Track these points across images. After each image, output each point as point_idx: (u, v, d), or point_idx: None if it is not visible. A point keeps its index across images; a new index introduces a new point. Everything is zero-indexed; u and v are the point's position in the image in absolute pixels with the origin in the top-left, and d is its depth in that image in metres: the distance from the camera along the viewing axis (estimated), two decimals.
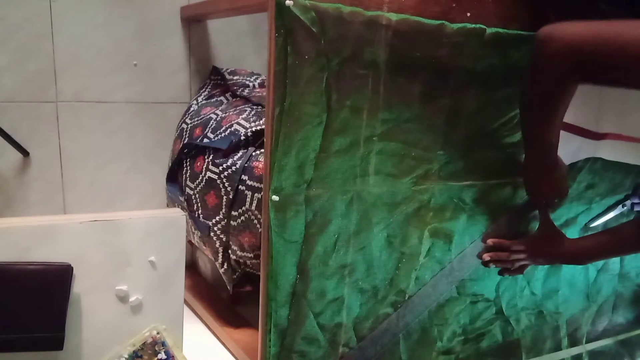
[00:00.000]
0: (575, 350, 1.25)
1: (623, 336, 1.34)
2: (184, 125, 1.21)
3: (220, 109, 1.17)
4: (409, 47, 0.84)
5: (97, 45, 1.24)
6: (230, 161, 1.02)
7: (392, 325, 0.98)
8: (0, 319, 0.77)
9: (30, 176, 1.23)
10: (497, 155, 1.01)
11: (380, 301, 0.95)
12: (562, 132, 0.92)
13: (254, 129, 1.04)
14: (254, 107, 1.12)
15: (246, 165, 1.01)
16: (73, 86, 1.23)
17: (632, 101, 1.09)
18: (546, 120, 0.87)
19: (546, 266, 1.15)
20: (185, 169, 1.14)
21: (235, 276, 1.10)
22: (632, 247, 1.02)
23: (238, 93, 1.21)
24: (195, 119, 1.19)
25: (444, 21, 0.85)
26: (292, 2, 0.74)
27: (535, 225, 1.07)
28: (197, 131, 1.15)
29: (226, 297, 1.25)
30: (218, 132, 1.09)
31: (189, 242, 1.24)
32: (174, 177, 1.19)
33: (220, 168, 1.03)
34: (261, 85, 1.24)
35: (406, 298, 0.98)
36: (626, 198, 1.19)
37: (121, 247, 0.86)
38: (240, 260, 1.06)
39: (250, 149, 1.03)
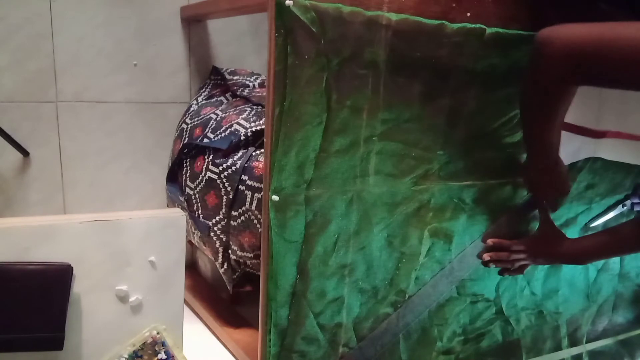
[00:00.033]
0: (575, 350, 1.25)
1: (623, 336, 1.34)
2: (184, 125, 1.21)
3: (220, 109, 1.17)
4: (409, 47, 0.84)
5: (97, 45, 1.24)
6: (230, 161, 1.02)
7: (392, 325, 0.98)
8: (0, 319, 0.78)
9: (30, 176, 1.23)
10: (497, 155, 1.01)
11: (380, 301, 0.95)
12: (562, 132, 0.92)
13: (254, 129, 1.04)
14: (254, 107, 1.12)
15: (246, 165, 1.01)
16: (73, 86, 1.23)
17: (632, 101, 1.09)
18: (546, 121, 0.87)
19: (546, 266, 1.15)
20: (185, 169, 1.14)
21: (235, 276, 1.10)
22: (632, 247, 1.02)
23: (238, 93, 1.21)
24: (195, 119, 1.19)
25: (443, 21, 0.85)
26: (292, 2, 0.74)
27: (535, 225, 1.08)
28: (197, 131, 1.15)
29: (226, 297, 1.25)
30: (218, 132, 1.09)
31: (189, 242, 1.24)
32: (174, 177, 1.19)
33: (220, 168, 1.03)
34: (261, 85, 1.24)
35: (406, 298, 0.98)
36: (626, 198, 1.19)
37: (121, 247, 0.86)
38: (240, 260, 1.06)
39: (250, 149, 1.03)
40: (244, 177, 1.00)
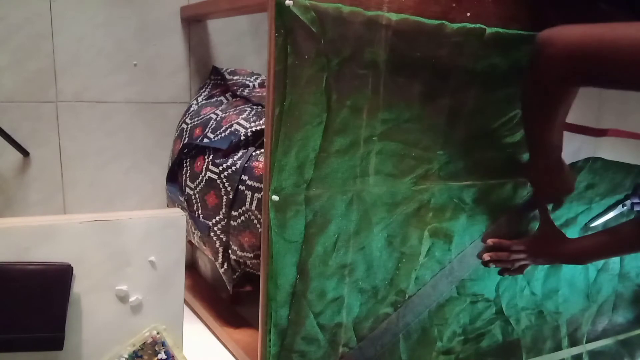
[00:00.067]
0: (575, 350, 1.25)
1: (623, 336, 1.34)
2: (184, 125, 1.21)
3: (220, 109, 1.17)
4: (409, 47, 0.84)
5: (97, 45, 1.24)
6: (230, 161, 1.02)
7: (392, 325, 0.98)
8: (0, 319, 0.78)
9: (30, 176, 1.23)
10: (497, 155, 1.01)
11: (380, 301, 0.95)
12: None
13: (254, 129, 1.04)
14: (254, 107, 1.12)
15: (246, 165, 1.01)
16: (73, 86, 1.23)
17: (632, 101, 1.09)
18: (547, 121, 0.87)
19: (546, 266, 1.15)
20: (185, 169, 1.14)
21: (235, 276, 1.10)
22: (632, 247, 1.02)
23: (238, 93, 1.21)
24: (195, 119, 1.19)
25: (443, 21, 0.85)
26: (292, 2, 0.74)
27: (535, 225, 1.08)
28: (197, 131, 1.15)
29: (226, 297, 1.25)
30: (218, 132, 1.09)
31: (189, 242, 1.24)
32: (174, 177, 1.19)
33: (220, 168, 1.03)
34: (261, 85, 1.24)
35: (406, 298, 0.98)
36: (626, 198, 1.19)
37: (121, 247, 0.86)
38: (240, 260, 1.06)
39: (250, 149, 1.03)
40: (244, 177, 1.00)
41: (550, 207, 1.06)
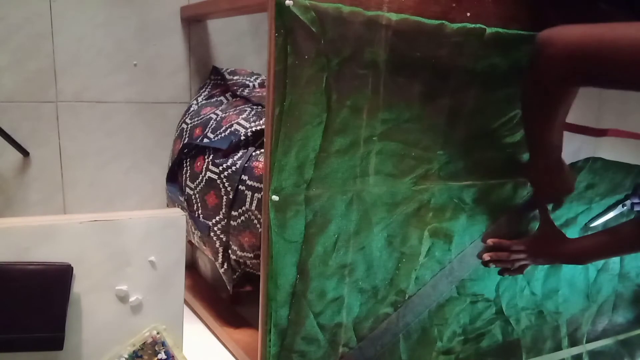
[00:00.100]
0: (575, 350, 1.25)
1: (623, 336, 1.34)
2: (184, 125, 1.21)
3: (220, 109, 1.17)
4: (409, 47, 0.84)
5: (97, 45, 1.24)
6: (230, 161, 1.02)
7: (392, 325, 0.98)
8: (0, 319, 0.78)
9: (30, 176, 1.23)
10: (497, 155, 1.01)
11: (380, 301, 0.95)
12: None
13: (254, 129, 1.04)
14: (254, 107, 1.12)
15: (246, 165, 1.01)
16: (73, 86, 1.23)
17: (632, 101, 1.09)
18: (547, 121, 0.87)
19: (546, 266, 1.15)
20: (185, 169, 1.14)
21: (235, 276, 1.10)
22: (632, 247, 1.02)
23: (238, 93, 1.21)
24: (195, 119, 1.19)
25: (443, 21, 0.85)
26: (292, 2, 0.74)
27: (535, 225, 1.08)
28: (197, 131, 1.15)
29: (226, 297, 1.25)
30: (218, 132, 1.09)
31: (189, 242, 1.24)
32: (174, 177, 1.19)
33: (220, 168, 1.03)
34: (261, 85, 1.24)
35: (406, 298, 0.98)
36: (626, 198, 1.19)
37: (121, 247, 0.86)
38: (240, 260, 1.06)
39: (250, 149, 1.03)
40: (244, 177, 1.00)
41: (550, 207, 1.06)
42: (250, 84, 1.23)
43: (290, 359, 0.89)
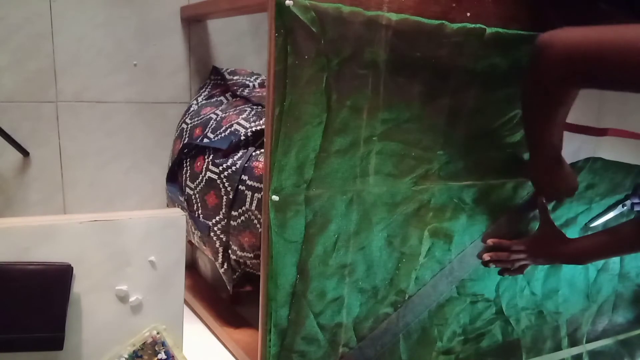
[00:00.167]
0: (575, 350, 1.25)
1: (623, 336, 1.34)
2: (184, 125, 1.21)
3: (220, 109, 1.17)
4: (409, 47, 0.84)
5: (97, 45, 1.24)
6: (230, 161, 1.02)
7: (392, 325, 0.98)
8: (0, 319, 0.78)
9: (30, 176, 1.23)
10: (497, 155, 1.01)
11: (380, 301, 0.95)
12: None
13: (254, 129, 1.04)
14: (254, 107, 1.12)
15: (246, 165, 1.01)
16: (73, 86, 1.23)
17: (632, 101, 1.09)
18: (547, 122, 0.87)
19: (546, 266, 1.15)
20: (185, 169, 1.14)
21: (235, 276, 1.10)
22: (632, 247, 1.02)
23: (238, 93, 1.21)
24: (195, 119, 1.19)
25: (443, 21, 0.85)
26: (292, 2, 0.74)
27: (535, 225, 1.08)
28: (197, 131, 1.15)
29: (226, 297, 1.25)
30: (218, 132, 1.09)
31: (189, 242, 1.24)
32: (174, 177, 1.19)
33: (220, 168, 1.03)
34: (261, 85, 1.24)
35: (406, 298, 0.98)
36: (626, 198, 1.19)
37: (121, 247, 0.86)
38: (240, 260, 1.06)
39: (250, 149, 1.03)
40: (244, 177, 1.00)
41: (550, 207, 1.06)
42: (250, 84, 1.23)
43: (290, 359, 0.89)
